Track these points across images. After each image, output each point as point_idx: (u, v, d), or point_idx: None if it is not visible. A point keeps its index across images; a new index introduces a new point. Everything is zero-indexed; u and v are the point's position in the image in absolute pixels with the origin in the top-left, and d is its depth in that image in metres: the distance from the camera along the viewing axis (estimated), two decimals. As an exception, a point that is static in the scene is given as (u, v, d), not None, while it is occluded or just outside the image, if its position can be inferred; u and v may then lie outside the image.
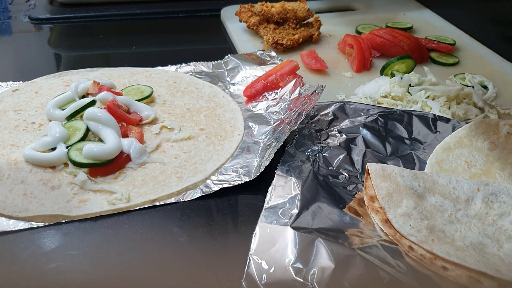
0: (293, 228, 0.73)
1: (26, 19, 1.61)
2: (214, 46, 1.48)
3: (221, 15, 1.60)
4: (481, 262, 0.67)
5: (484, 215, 0.75)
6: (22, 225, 0.77)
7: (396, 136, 0.95)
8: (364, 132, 0.95)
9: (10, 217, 0.79)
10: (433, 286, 0.66)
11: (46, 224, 0.78)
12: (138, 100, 1.07)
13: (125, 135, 0.95)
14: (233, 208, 0.83)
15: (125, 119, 0.98)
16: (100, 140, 0.93)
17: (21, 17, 1.62)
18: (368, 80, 1.17)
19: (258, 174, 0.86)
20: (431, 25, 1.58)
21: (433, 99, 1.06)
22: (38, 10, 1.65)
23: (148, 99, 1.09)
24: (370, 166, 0.81)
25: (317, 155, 0.90)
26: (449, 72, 1.26)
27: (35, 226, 0.77)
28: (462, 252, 0.69)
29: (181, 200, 0.83)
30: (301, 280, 0.66)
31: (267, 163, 0.86)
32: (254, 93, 1.11)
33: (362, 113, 0.99)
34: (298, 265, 0.68)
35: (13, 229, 0.77)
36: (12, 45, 1.47)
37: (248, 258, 0.69)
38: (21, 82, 1.16)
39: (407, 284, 0.65)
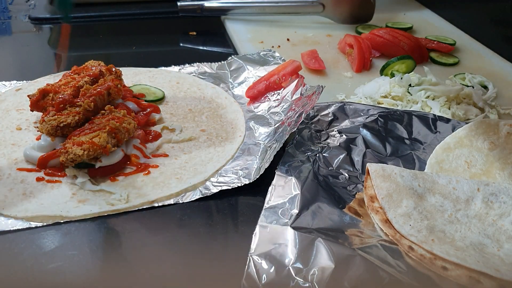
0: (293, 228, 0.73)
1: (26, 19, 1.61)
2: (215, 46, 1.48)
3: (221, 16, 1.60)
4: (481, 262, 0.66)
5: (484, 215, 0.75)
6: (20, 224, 0.77)
7: (396, 136, 0.95)
8: (364, 132, 0.95)
9: (9, 216, 0.79)
10: (433, 286, 0.66)
11: (45, 224, 0.78)
12: (151, 101, 1.08)
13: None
14: (233, 208, 0.83)
15: (138, 122, 0.98)
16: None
17: (21, 17, 1.62)
18: (368, 80, 1.17)
19: (257, 177, 0.86)
20: (431, 25, 1.58)
21: (433, 99, 1.06)
22: (38, 10, 1.65)
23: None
24: (370, 166, 0.81)
25: (317, 155, 0.90)
26: (449, 72, 1.26)
27: (34, 226, 0.77)
28: (462, 252, 0.68)
29: (180, 201, 0.83)
30: (301, 280, 0.66)
31: (266, 165, 0.86)
32: (256, 94, 1.11)
33: (362, 114, 0.99)
34: (298, 265, 0.68)
35: (12, 229, 0.77)
36: (12, 45, 1.47)
37: (248, 258, 0.69)
38: (24, 81, 1.17)
39: (407, 284, 0.65)
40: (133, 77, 1.19)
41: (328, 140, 0.94)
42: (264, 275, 0.66)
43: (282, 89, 1.10)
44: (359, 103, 1.05)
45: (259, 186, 0.84)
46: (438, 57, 1.33)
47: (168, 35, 1.56)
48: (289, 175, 0.83)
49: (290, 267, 0.67)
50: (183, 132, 1.00)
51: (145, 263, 0.72)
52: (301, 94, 1.04)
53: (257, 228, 0.74)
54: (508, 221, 0.74)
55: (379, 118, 0.97)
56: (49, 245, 0.74)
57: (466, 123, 0.94)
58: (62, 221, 0.78)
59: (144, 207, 0.82)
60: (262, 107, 1.08)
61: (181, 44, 1.50)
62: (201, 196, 0.84)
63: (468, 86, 1.15)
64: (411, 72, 1.19)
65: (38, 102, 0.99)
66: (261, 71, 1.19)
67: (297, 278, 0.66)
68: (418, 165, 0.89)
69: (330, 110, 1.00)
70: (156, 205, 0.82)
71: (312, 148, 0.92)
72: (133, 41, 1.48)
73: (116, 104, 1.00)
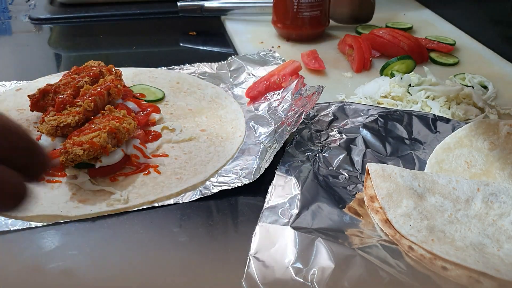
0: (293, 228, 0.73)
1: (26, 19, 1.61)
2: (215, 46, 1.48)
3: (221, 16, 1.60)
4: (481, 262, 0.66)
5: (484, 215, 0.75)
6: (20, 224, 0.77)
7: (396, 136, 0.95)
8: (364, 132, 0.95)
9: (8, 216, 0.78)
10: (433, 286, 0.66)
11: (45, 224, 0.78)
12: (151, 101, 1.08)
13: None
14: (233, 208, 0.83)
15: (138, 122, 0.98)
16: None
17: (21, 17, 1.62)
18: (368, 80, 1.17)
19: (257, 177, 0.86)
20: (431, 25, 1.58)
21: (433, 99, 1.06)
22: (38, 10, 1.65)
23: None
24: (370, 166, 0.81)
25: (317, 155, 0.90)
26: (449, 72, 1.26)
27: (34, 226, 0.77)
28: (462, 252, 0.68)
29: (180, 201, 0.83)
30: (301, 280, 0.66)
31: (266, 165, 0.86)
32: (256, 94, 1.11)
33: (362, 114, 0.99)
34: (298, 265, 0.68)
35: (11, 229, 0.77)
36: (12, 45, 1.48)
37: (248, 258, 0.69)
38: (24, 81, 1.16)
39: (407, 284, 0.65)
40: (133, 77, 1.19)
41: (328, 140, 0.94)
42: (264, 275, 0.66)
43: (282, 89, 1.10)
44: (359, 103, 1.05)
45: (259, 186, 0.84)
46: (438, 57, 1.33)
47: (168, 35, 1.56)
48: (289, 175, 0.83)
49: (290, 267, 0.67)
50: (183, 132, 1.00)
51: (145, 263, 0.72)
52: (301, 94, 1.04)
53: (257, 228, 0.74)
54: (508, 221, 0.74)
55: (379, 118, 0.97)
56: (49, 245, 0.74)
57: (466, 123, 0.94)
58: (62, 221, 0.78)
59: (144, 207, 0.82)
60: (262, 107, 1.08)
61: (181, 44, 1.50)
62: (201, 196, 0.84)
63: (468, 86, 1.15)
64: (411, 72, 1.19)
65: (38, 102, 0.99)
66: (261, 71, 1.19)
67: (297, 278, 0.66)
68: (418, 165, 0.89)
69: (330, 110, 1.00)
70: (156, 205, 0.82)
71: (312, 148, 0.92)
72: (133, 41, 1.48)
73: (116, 104, 1.00)
